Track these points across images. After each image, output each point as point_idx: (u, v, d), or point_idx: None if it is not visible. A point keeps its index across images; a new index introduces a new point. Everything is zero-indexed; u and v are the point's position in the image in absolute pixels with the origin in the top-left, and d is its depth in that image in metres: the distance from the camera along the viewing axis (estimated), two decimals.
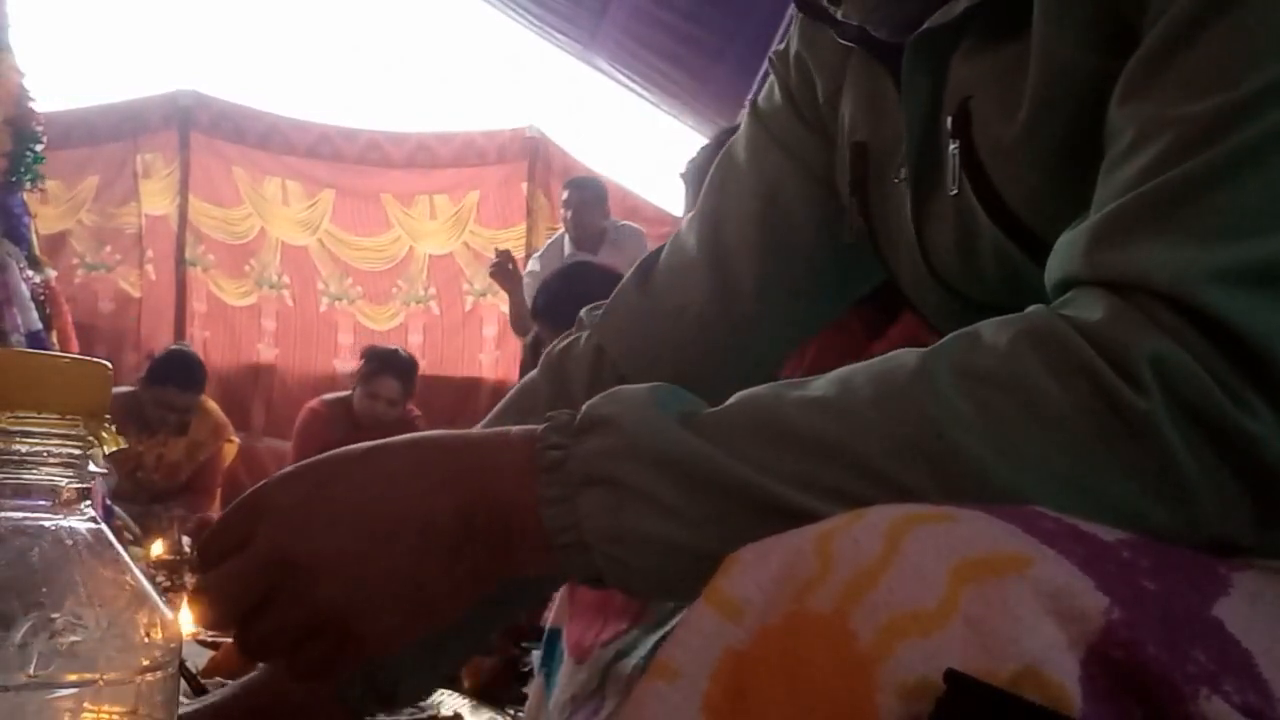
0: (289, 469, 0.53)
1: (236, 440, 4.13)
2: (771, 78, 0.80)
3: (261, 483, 0.52)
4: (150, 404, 3.63)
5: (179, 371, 3.72)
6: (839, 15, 0.66)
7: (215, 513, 4.01)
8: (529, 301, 2.74)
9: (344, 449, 0.52)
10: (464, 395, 5.62)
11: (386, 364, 3.84)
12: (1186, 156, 0.45)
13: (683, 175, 2.34)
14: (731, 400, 0.49)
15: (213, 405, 4.09)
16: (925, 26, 0.59)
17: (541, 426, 0.50)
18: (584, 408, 0.50)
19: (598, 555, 0.48)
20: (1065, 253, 0.48)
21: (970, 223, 0.60)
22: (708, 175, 0.82)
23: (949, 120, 0.60)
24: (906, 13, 0.62)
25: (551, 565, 0.50)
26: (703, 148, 2.26)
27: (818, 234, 0.76)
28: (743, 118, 0.84)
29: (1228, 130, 0.45)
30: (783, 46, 0.80)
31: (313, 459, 0.53)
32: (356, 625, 0.49)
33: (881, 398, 0.46)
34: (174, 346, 4.21)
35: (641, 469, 0.47)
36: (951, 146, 0.59)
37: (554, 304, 2.44)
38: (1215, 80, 0.46)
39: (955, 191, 0.60)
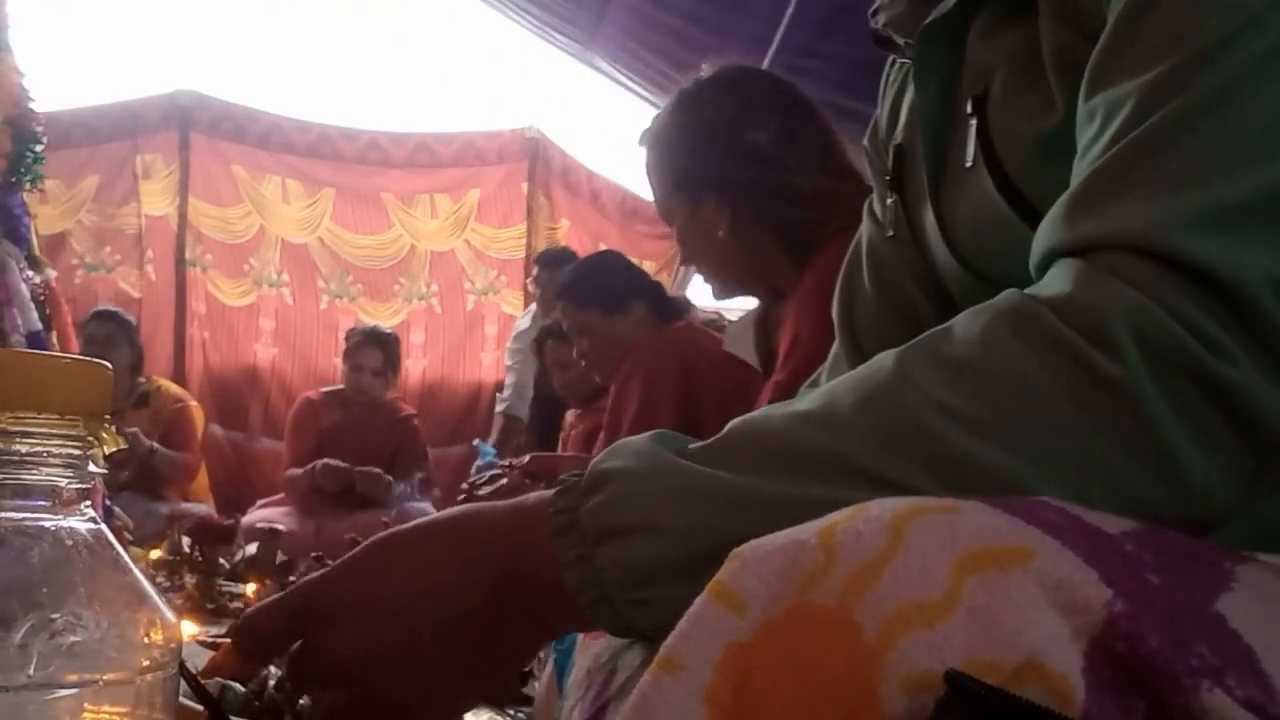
0: (326, 573, 0.55)
1: (197, 405, 4.34)
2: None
3: (305, 581, 0.55)
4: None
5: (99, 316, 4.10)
6: (898, 40, 0.73)
7: (206, 500, 4.13)
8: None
9: (376, 544, 0.55)
10: (467, 399, 5.62)
11: (368, 337, 4.12)
12: (1148, 115, 0.46)
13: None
14: (726, 428, 0.50)
15: (168, 382, 4.38)
16: (930, 18, 0.65)
17: (553, 492, 0.52)
18: (589, 467, 0.51)
19: (621, 605, 0.49)
20: (1044, 230, 0.49)
21: (980, 194, 0.62)
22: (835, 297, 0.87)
23: (970, 100, 0.63)
24: (925, 15, 0.68)
25: (584, 623, 0.52)
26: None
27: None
28: None
29: (1185, 83, 0.45)
30: (868, 133, 0.87)
31: (348, 560, 0.55)
32: (414, 708, 0.53)
33: (864, 401, 0.46)
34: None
35: (644, 505, 0.48)
36: (971, 123, 0.62)
37: (578, 282, 2.46)
38: (1168, 46, 0.46)
39: (970, 164, 0.63)
